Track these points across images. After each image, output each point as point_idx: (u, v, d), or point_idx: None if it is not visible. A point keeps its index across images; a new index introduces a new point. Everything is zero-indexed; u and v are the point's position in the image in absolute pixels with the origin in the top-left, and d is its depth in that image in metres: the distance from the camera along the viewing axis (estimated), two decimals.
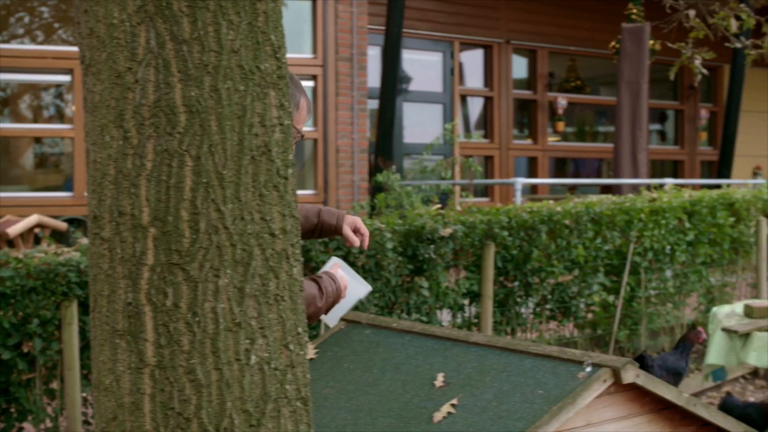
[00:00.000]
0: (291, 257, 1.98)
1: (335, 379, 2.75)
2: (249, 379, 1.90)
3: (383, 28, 11.58)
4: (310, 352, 2.92)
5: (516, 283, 6.80)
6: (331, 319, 3.35)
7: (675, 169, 18.57)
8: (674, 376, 6.58)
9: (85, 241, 5.43)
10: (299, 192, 10.33)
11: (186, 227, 1.86)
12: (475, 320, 6.47)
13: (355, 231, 3.38)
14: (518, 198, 9.86)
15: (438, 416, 2.37)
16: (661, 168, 18.43)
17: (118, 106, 1.86)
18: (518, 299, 6.87)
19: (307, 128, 11.04)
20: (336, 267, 3.45)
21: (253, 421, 1.91)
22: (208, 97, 1.86)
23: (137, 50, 1.84)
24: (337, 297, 3.29)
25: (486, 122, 15.38)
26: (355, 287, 3.31)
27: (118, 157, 1.87)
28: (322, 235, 3.37)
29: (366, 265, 5.76)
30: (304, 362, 2.02)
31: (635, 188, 10.54)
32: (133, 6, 1.84)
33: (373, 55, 12.39)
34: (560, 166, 17.14)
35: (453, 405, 2.39)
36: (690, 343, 5.76)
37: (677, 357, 5.80)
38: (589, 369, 2.34)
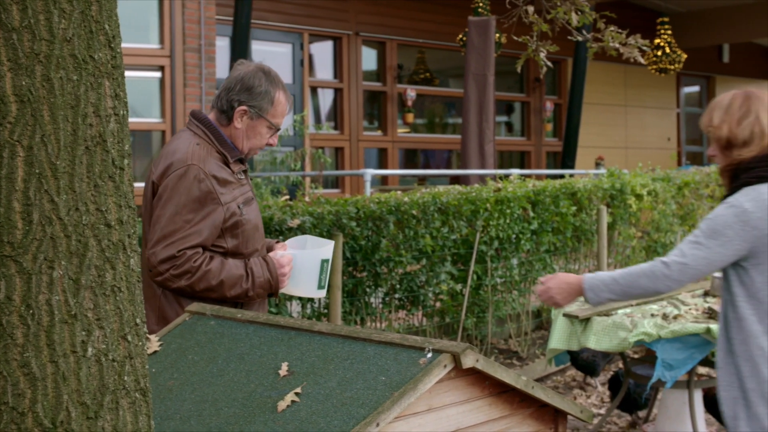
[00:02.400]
0: (128, 248, 1.97)
1: (179, 371, 2.73)
2: (86, 371, 1.88)
3: (231, 18, 11.52)
4: (154, 344, 2.90)
5: (365, 273, 6.85)
6: (309, 290, 3.80)
7: (522, 159, 18.97)
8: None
9: None
10: None
11: (18, 219, 1.83)
12: (325, 311, 6.50)
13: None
14: (368, 189, 9.93)
15: (282, 405, 2.38)
16: (508, 159, 18.80)
17: None
18: (367, 289, 6.92)
19: (154, 120, 10.89)
20: (283, 247, 3.87)
21: (91, 413, 1.89)
22: (40, 87, 1.83)
23: None
24: (271, 278, 3.63)
25: (336, 114, 15.44)
26: (311, 254, 3.73)
27: None
28: None
29: None
30: (142, 353, 2.01)
31: (482, 179, 10.72)
32: None
33: (222, 46, 12.30)
34: (410, 158, 17.32)
35: (297, 393, 2.41)
36: None
37: None
38: (430, 355, 2.38)
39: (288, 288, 3.76)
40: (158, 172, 3.58)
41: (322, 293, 3.83)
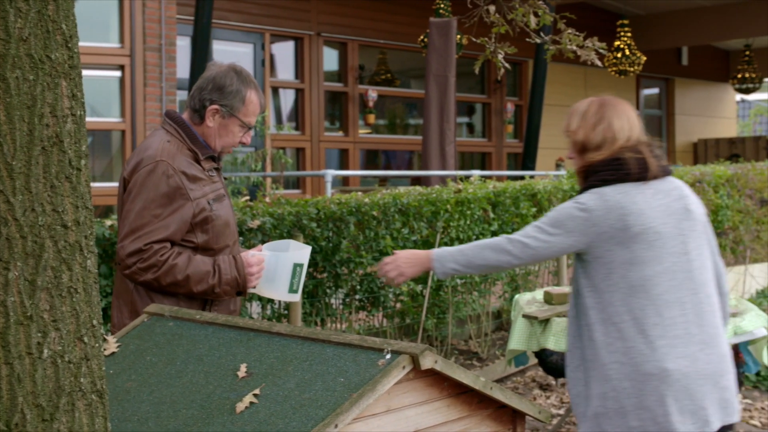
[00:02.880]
0: (85, 249, 1.96)
1: (137, 373, 2.72)
2: (41, 373, 1.87)
3: (192, 18, 11.46)
4: (112, 345, 2.89)
5: (325, 275, 6.84)
6: (281, 293, 3.81)
7: (483, 160, 19.02)
8: None
9: None
10: (108, 185, 10.12)
11: None
12: (285, 312, 6.49)
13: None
14: (329, 190, 9.91)
15: (240, 406, 2.37)
16: (470, 160, 18.84)
17: None
18: (327, 290, 6.91)
19: (114, 119, 10.82)
20: (258, 248, 3.89)
21: (46, 415, 1.88)
22: None
23: None
24: (238, 277, 3.66)
25: (297, 114, 15.41)
26: (283, 257, 3.74)
27: None
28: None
29: None
30: (99, 355, 2.00)
31: (443, 180, 10.74)
32: None
33: (183, 46, 12.24)
34: (371, 159, 17.31)
35: (255, 395, 2.40)
36: None
37: None
38: (389, 356, 2.39)
39: (260, 289, 3.80)
40: (129, 168, 3.67)
41: (295, 297, 3.85)
